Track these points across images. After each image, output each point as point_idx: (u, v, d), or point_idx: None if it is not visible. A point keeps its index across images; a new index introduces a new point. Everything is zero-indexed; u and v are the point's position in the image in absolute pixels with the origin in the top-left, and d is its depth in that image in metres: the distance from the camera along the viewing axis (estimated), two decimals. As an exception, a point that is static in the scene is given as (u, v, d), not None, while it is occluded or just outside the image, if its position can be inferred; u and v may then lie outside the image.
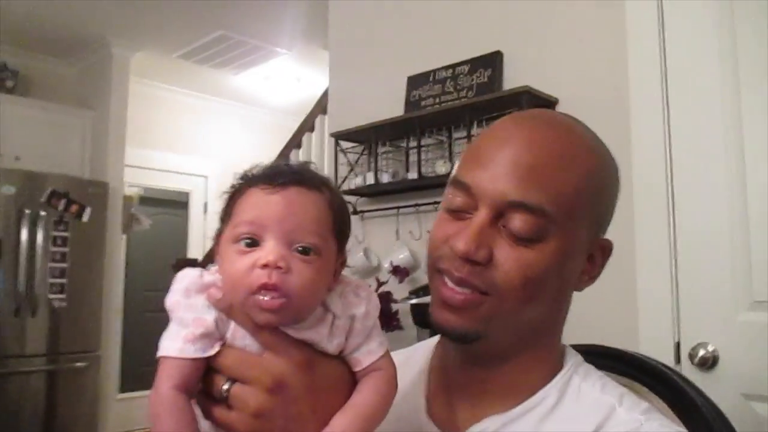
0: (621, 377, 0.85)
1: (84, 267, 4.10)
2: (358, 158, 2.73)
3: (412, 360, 0.78)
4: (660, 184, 1.82)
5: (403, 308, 2.36)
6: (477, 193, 0.65)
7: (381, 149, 2.63)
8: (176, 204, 5.58)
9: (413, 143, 2.48)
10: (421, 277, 2.45)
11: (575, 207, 0.66)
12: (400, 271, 2.46)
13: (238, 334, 0.59)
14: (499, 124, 0.72)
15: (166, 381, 0.56)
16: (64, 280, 3.99)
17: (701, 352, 1.70)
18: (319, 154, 3.22)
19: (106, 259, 4.28)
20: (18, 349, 3.84)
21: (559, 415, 0.65)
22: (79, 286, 4.06)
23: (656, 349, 1.72)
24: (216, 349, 0.58)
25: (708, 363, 1.70)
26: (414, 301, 2.27)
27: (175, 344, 0.57)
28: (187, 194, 5.55)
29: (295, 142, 3.38)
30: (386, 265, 2.54)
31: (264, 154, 4.69)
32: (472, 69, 2.36)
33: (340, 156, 2.74)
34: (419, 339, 1.99)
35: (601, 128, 2.13)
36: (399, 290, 2.43)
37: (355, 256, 2.71)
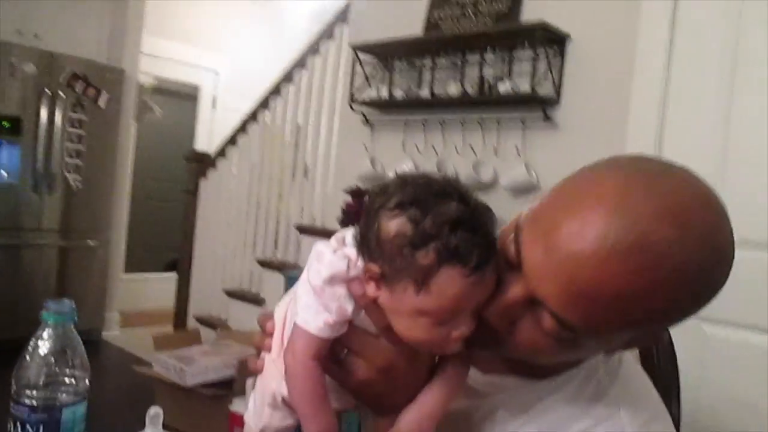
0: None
1: (98, 150, 4.25)
2: (374, 71, 2.85)
3: None
4: (652, 125, 1.99)
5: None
6: (525, 271, 0.60)
7: (397, 65, 2.75)
8: (186, 96, 5.66)
9: (428, 62, 2.60)
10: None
11: (621, 333, 0.61)
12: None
13: (365, 321, 0.65)
14: (591, 190, 0.58)
15: (304, 351, 0.63)
16: (79, 161, 4.16)
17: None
18: (335, 62, 3.32)
19: (119, 145, 4.43)
20: (34, 223, 4.04)
21: (565, 395, 0.69)
22: (93, 168, 4.23)
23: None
24: (345, 328, 0.64)
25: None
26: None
27: (317, 323, 0.62)
28: (197, 88, 5.63)
29: (313, 48, 3.47)
30: (391, 174, 2.72)
31: (278, 55, 4.71)
32: (492, -5, 2.46)
33: (357, 67, 2.86)
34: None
35: (605, 65, 2.27)
36: (402, 199, 2.62)
37: (361, 164, 2.89)
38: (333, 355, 0.66)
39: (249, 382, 2.64)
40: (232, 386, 2.71)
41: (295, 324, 0.64)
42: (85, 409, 0.75)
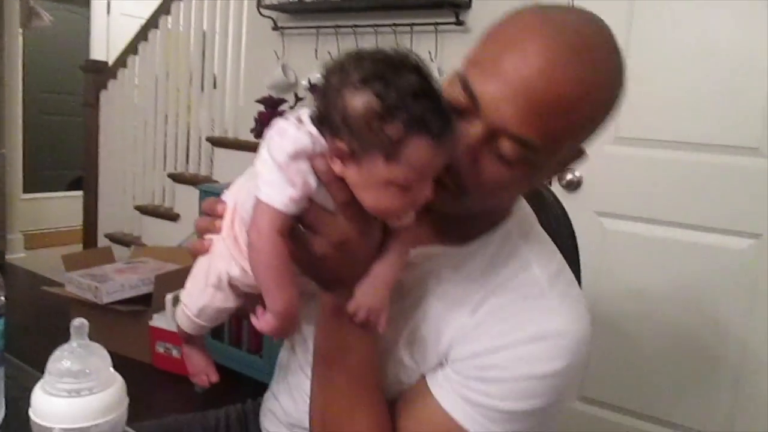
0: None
1: (-18, 61, 3.92)
2: (282, -27, 2.73)
3: None
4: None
5: (318, 124, 2.54)
6: (481, 107, 0.65)
7: (306, -34, 2.64)
8: (77, 1, 5.22)
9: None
10: (337, 97, 2.61)
11: (566, 142, 0.68)
12: (317, 90, 2.60)
13: (322, 197, 0.66)
14: (523, 29, 0.67)
15: (270, 225, 0.63)
16: (-38, 74, 3.82)
17: (568, 176, 2.04)
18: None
19: (6, 55, 4.08)
20: None
21: (488, 258, 0.77)
22: (-22, 81, 3.91)
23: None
24: (306, 204, 0.65)
25: (573, 186, 2.05)
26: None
27: (281, 198, 0.62)
28: (88, -9, 5.20)
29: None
30: (304, 83, 2.67)
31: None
32: None
33: (264, -31, 2.73)
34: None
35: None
36: (315, 107, 2.59)
37: (273, 72, 2.81)
38: (290, 230, 0.66)
39: (168, 296, 2.62)
40: (150, 302, 2.69)
41: (258, 200, 0.63)
42: (3, 326, 0.74)
